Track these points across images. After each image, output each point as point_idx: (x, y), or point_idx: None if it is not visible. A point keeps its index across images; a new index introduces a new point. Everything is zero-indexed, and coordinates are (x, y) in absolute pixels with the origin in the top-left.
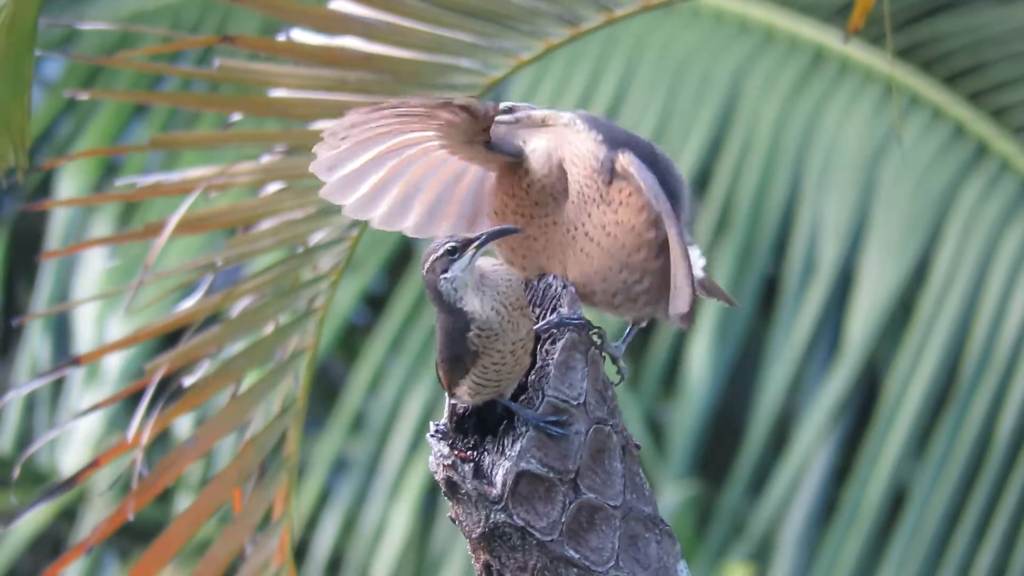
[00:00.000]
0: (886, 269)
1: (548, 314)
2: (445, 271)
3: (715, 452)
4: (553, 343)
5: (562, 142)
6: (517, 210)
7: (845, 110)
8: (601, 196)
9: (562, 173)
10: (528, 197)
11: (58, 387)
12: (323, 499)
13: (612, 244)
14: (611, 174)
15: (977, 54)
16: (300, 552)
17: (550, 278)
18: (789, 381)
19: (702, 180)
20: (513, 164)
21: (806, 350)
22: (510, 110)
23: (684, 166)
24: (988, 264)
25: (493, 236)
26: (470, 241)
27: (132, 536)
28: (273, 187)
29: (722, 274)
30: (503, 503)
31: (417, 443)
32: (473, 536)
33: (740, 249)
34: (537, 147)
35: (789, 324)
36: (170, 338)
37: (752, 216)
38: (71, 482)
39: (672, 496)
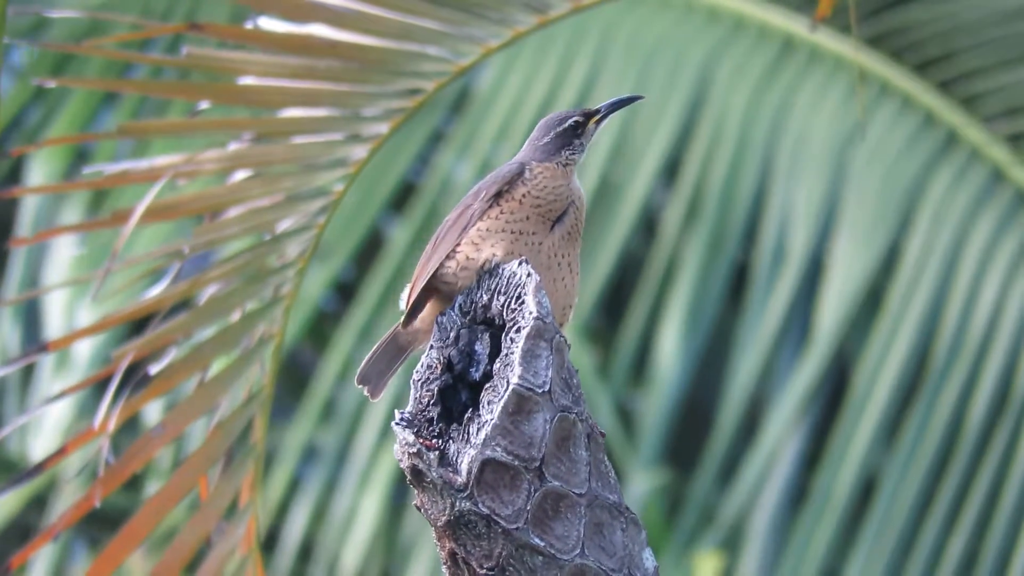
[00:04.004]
0: (856, 258)
1: (512, 302)
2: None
3: (685, 440)
4: (518, 331)
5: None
6: (508, 223)
7: (814, 99)
8: (580, 233)
9: (560, 203)
10: (520, 209)
11: (28, 374)
12: (293, 487)
13: (575, 280)
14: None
15: (947, 42)
16: (270, 540)
17: (515, 265)
18: (759, 369)
19: (672, 169)
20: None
21: (776, 338)
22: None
23: (654, 155)
24: (958, 253)
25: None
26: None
27: (102, 523)
28: (240, 175)
29: (692, 262)
30: (468, 491)
31: (387, 432)
32: (438, 524)
33: (710, 238)
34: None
35: (759, 312)
36: (138, 325)
37: (722, 205)
38: (39, 469)
39: (642, 484)
